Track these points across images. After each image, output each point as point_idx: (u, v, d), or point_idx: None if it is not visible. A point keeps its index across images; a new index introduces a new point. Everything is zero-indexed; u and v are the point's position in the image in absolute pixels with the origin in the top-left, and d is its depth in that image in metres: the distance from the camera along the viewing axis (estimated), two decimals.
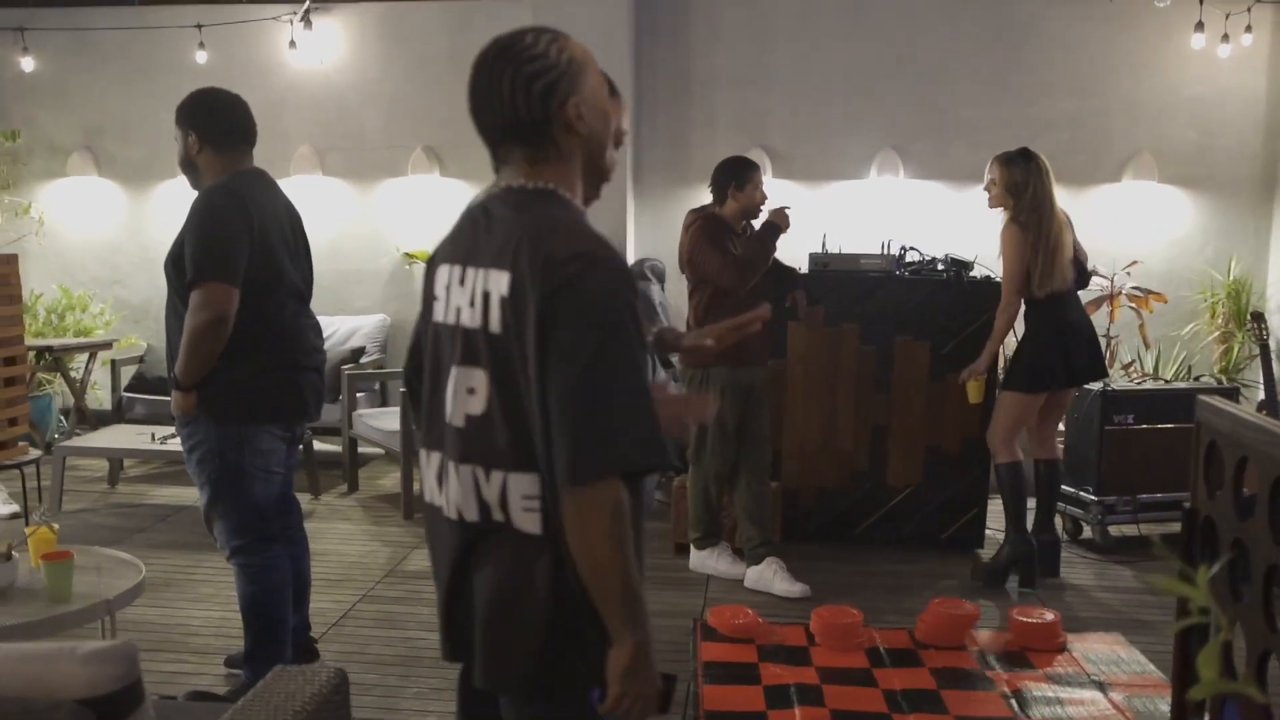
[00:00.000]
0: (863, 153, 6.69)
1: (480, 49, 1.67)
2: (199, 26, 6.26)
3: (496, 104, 1.64)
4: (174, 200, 7.11)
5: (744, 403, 4.62)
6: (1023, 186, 4.46)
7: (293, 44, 6.80)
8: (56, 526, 3.30)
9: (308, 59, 6.96)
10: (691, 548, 4.87)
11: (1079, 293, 4.69)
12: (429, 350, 1.75)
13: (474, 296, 1.63)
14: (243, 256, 3.11)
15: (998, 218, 4.62)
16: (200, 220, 3.11)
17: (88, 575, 3.20)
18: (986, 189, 4.59)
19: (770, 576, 4.58)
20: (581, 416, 1.49)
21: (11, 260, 4.59)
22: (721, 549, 4.83)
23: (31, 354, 6.59)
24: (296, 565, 3.54)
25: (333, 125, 7.09)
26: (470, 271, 1.66)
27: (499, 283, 1.58)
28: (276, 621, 3.33)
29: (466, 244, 1.70)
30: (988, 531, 5.19)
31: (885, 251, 5.28)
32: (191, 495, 5.74)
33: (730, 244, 4.53)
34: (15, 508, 5.50)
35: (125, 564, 3.36)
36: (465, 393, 1.64)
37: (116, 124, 7.29)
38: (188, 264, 3.09)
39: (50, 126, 7.33)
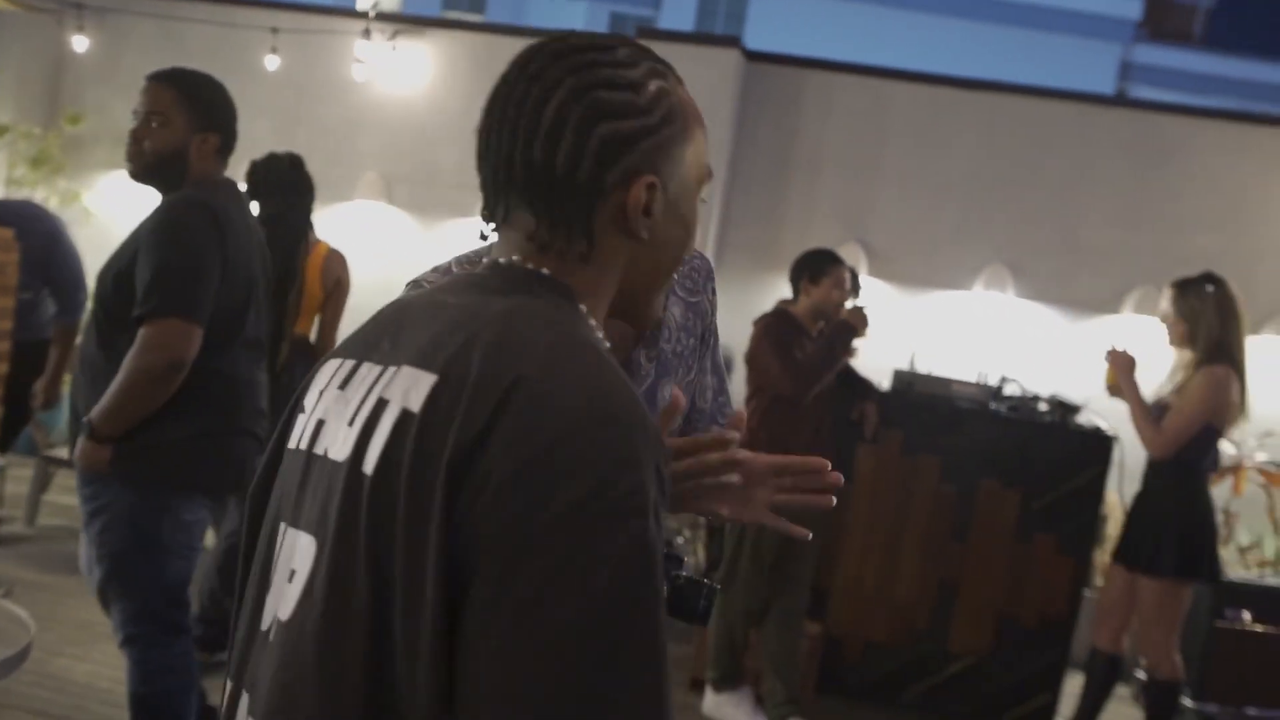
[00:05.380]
0: (971, 264, 6.00)
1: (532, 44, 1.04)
2: (274, 30, 5.86)
3: (524, 131, 0.98)
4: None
5: (785, 536, 3.93)
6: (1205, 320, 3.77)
7: (359, 60, 6.25)
8: None
9: (388, 81, 6.49)
10: (708, 688, 4.17)
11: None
12: (271, 502, 1.07)
13: (355, 407, 0.95)
14: (211, 291, 2.53)
15: (1139, 361, 3.88)
16: (168, 238, 2.50)
17: None
18: (1162, 320, 3.88)
19: None
20: None
21: (11, 246, 4.13)
22: (742, 695, 4.11)
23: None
24: None
25: (405, 155, 6.60)
26: (365, 369, 0.98)
27: (411, 387, 0.91)
28: None
29: (379, 332, 1.03)
30: None
31: (982, 380, 4.59)
32: None
33: (799, 346, 3.92)
34: None
35: (15, 623, 2.78)
36: (285, 578, 0.97)
37: None
38: (141, 289, 2.49)
39: (121, 116, 6.96)
